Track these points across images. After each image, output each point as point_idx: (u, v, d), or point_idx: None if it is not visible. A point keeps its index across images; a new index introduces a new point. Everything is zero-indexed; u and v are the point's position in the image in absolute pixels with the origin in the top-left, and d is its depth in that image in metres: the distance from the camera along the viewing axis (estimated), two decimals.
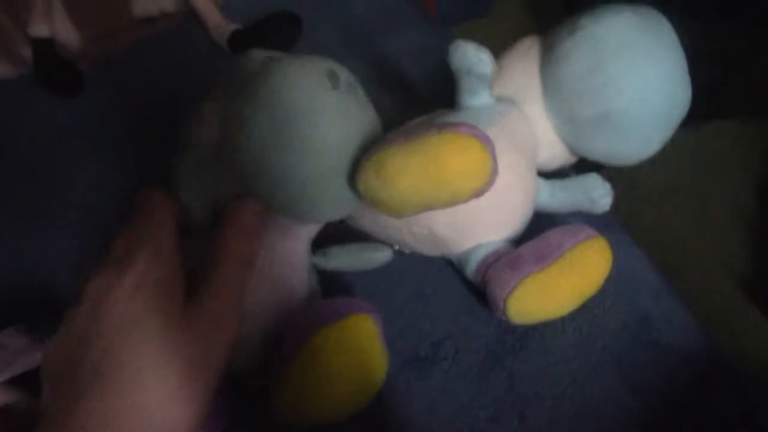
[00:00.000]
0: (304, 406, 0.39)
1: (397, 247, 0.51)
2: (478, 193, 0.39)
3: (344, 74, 0.41)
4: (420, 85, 0.67)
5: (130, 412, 0.28)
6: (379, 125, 0.43)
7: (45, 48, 0.68)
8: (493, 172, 0.39)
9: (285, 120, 0.37)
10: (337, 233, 0.50)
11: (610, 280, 0.46)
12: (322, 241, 0.48)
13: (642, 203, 1.03)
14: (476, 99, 0.48)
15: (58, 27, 0.69)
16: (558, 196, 0.51)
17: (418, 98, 0.66)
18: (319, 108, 0.38)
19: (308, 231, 0.47)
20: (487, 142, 0.38)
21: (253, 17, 0.70)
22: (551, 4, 1.30)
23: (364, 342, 0.41)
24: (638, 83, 0.44)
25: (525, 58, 0.50)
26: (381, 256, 0.50)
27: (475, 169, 0.38)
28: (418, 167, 0.38)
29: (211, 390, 0.32)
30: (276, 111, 0.37)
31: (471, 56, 0.45)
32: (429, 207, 0.40)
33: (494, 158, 0.39)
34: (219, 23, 0.71)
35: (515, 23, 1.31)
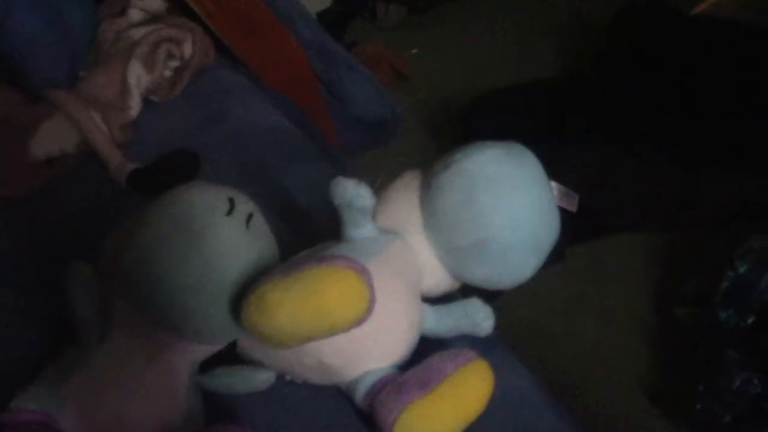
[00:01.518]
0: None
1: (289, 377, 0.52)
2: (358, 323, 0.41)
3: (243, 203, 0.43)
4: (317, 214, 0.70)
5: None
6: (275, 254, 0.45)
7: None
8: (371, 302, 0.41)
9: (177, 236, 0.39)
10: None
11: (495, 401, 0.48)
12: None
13: (549, 315, 1.07)
14: (359, 231, 0.50)
15: None
16: (443, 322, 0.53)
17: (314, 228, 0.68)
18: (209, 231, 0.40)
19: (196, 351, 0.47)
20: (364, 274, 0.41)
21: (154, 156, 0.72)
22: (455, 125, 1.41)
23: None
24: (507, 212, 0.48)
25: (406, 191, 0.53)
26: (263, 377, 0.50)
27: (353, 300, 0.40)
28: (298, 299, 0.40)
29: None
30: (171, 227, 0.39)
31: (350, 191, 0.47)
32: (310, 338, 0.42)
33: (372, 289, 0.41)
34: (120, 162, 0.72)
35: (417, 146, 1.39)
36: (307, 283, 0.40)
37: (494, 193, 0.49)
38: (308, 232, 0.66)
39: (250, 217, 0.43)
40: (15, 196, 0.71)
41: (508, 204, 0.49)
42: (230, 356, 0.50)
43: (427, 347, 0.51)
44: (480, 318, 0.53)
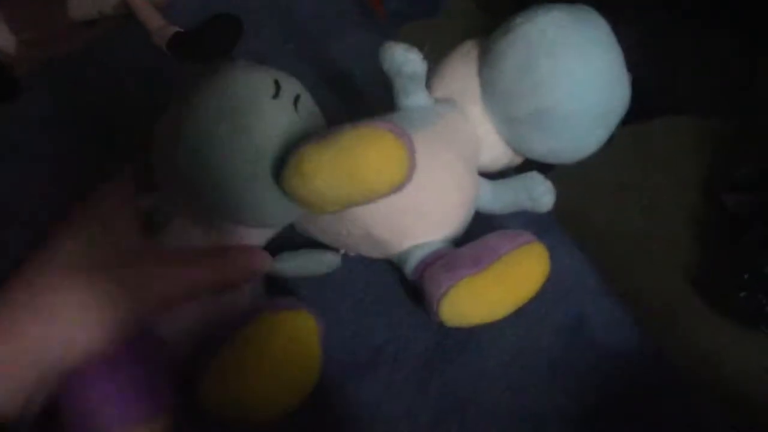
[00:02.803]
0: (230, 398, 0.37)
1: (343, 251, 0.51)
2: (397, 188, 0.39)
3: (289, 85, 0.40)
4: (367, 85, 0.67)
5: (44, 308, 0.35)
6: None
7: None
8: (410, 168, 0.38)
9: (225, 125, 0.37)
10: (292, 241, 0.49)
11: (548, 283, 0.46)
12: (275, 249, 0.47)
13: (592, 201, 1.04)
14: (412, 99, 0.47)
15: None
16: (500, 197, 0.51)
17: (366, 99, 0.65)
18: (257, 117, 0.38)
19: (258, 236, 0.46)
20: (403, 137, 0.38)
21: (195, 20, 0.69)
22: (504, 2, 1.32)
23: (300, 336, 0.40)
24: (569, 81, 0.44)
25: (465, 60, 0.50)
26: (329, 259, 0.49)
27: (390, 163, 0.38)
28: (333, 161, 0.37)
29: (130, 326, 0.37)
30: (217, 117, 0.37)
31: (399, 57, 0.44)
32: (349, 202, 0.39)
33: (411, 154, 0.38)
34: (160, 26, 0.70)
35: (468, 22, 1.31)
36: (342, 144, 0.37)
37: (556, 59, 0.44)
38: (357, 102, 0.64)
39: (297, 98, 0.41)
40: (55, 56, 0.69)
41: (572, 70, 0.44)
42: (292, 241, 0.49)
43: (482, 226, 0.49)
44: (539, 192, 0.49)
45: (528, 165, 0.53)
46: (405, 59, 0.44)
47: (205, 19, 0.70)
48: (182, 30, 0.70)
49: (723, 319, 0.93)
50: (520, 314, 0.46)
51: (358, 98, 0.66)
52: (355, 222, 0.46)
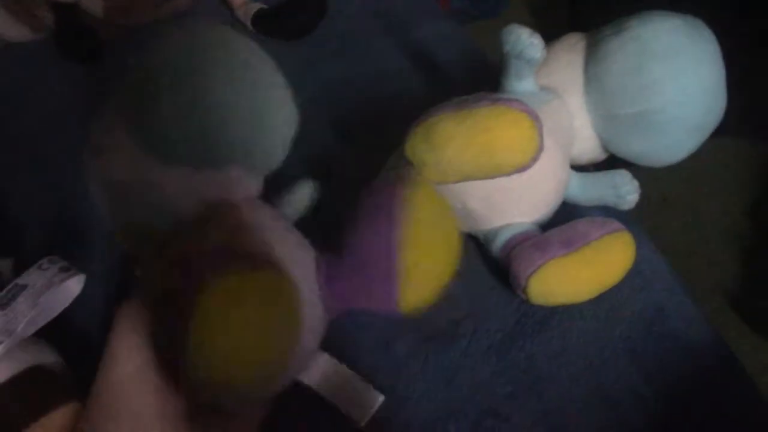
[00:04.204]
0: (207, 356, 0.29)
1: None
2: (521, 169, 0.41)
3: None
4: (447, 72, 0.69)
5: None
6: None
7: (67, 13, 0.69)
8: (539, 150, 0.40)
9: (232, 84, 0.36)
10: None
11: (628, 273, 0.48)
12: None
13: (636, 211, 1.06)
14: (521, 84, 0.49)
15: None
16: (587, 189, 0.53)
17: (447, 84, 0.67)
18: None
19: (249, 184, 0.41)
20: (537, 121, 0.40)
21: None
22: (558, 10, 1.34)
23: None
24: (679, 87, 0.46)
25: (571, 52, 0.52)
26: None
27: (523, 145, 0.40)
28: (468, 135, 0.39)
29: None
30: (220, 75, 0.36)
31: (524, 40, 0.46)
32: (471, 176, 0.41)
33: (542, 138, 0.40)
34: (243, 1, 0.71)
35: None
36: (479, 119, 0.39)
37: (667, 65, 0.46)
38: (441, 86, 0.66)
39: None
40: (140, 24, 0.71)
41: (681, 77, 0.46)
42: None
43: (566, 215, 0.51)
44: (626, 190, 0.52)
45: (608, 163, 0.55)
46: (530, 43, 0.46)
47: None
48: (266, 6, 0.72)
49: (762, 338, 0.95)
50: (599, 299, 0.48)
51: (436, 80, 0.68)
52: (453, 193, 0.48)
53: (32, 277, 0.42)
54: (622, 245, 0.47)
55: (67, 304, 0.42)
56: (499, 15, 1.36)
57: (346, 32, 0.74)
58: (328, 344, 0.45)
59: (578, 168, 0.54)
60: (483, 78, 0.55)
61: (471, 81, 0.64)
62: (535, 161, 0.41)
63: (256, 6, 0.72)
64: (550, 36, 0.53)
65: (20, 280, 0.42)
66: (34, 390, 0.40)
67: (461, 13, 1.30)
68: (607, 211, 0.53)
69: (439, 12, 0.79)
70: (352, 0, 0.77)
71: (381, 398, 0.45)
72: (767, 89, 1.12)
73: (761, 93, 1.12)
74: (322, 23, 0.72)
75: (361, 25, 0.75)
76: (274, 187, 0.42)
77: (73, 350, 0.44)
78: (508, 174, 0.41)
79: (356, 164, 0.59)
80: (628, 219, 0.54)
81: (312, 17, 0.73)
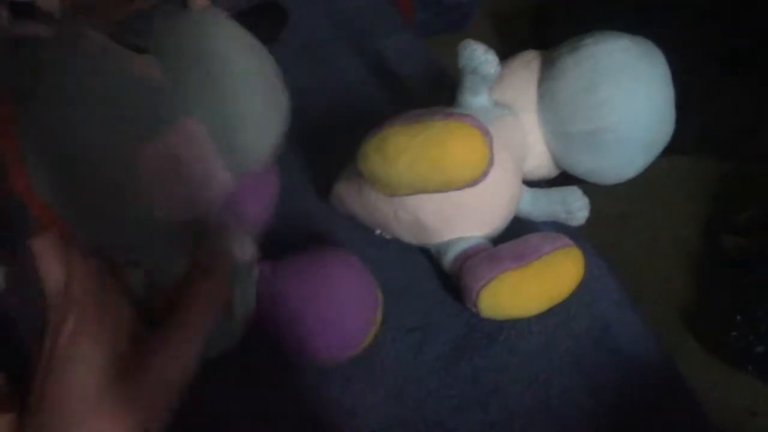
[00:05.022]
0: None
1: (379, 232, 0.52)
2: (472, 183, 0.41)
3: None
4: (407, 84, 0.69)
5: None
6: None
7: (25, 12, 0.67)
8: (490, 165, 0.41)
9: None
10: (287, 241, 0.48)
11: (576, 287, 0.49)
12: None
13: (592, 228, 1.09)
14: (476, 99, 0.50)
15: None
16: (539, 204, 0.53)
17: (406, 96, 0.67)
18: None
19: None
20: (488, 136, 0.40)
21: (240, 6, 0.70)
22: (522, 28, 1.37)
23: None
24: (631, 105, 0.47)
25: (527, 68, 0.52)
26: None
27: (475, 158, 0.40)
28: (420, 148, 0.39)
29: (157, 421, 0.33)
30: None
31: (479, 56, 0.47)
32: (422, 189, 0.42)
33: (492, 153, 0.41)
34: (202, 6, 0.70)
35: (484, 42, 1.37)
36: (432, 133, 0.40)
37: (620, 84, 0.47)
38: (401, 98, 0.66)
39: None
40: (100, 25, 0.70)
41: (633, 97, 0.47)
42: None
43: (517, 229, 0.51)
44: (576, 206, 0.52)
45: (560, 180, 0.56)
46: (485, 59, 0.47)
47: (247, 5, 0.70)
48: (227, 13, 0.71)
49: (713, 357, 0.97)
50: (548, 314, 0.48)
51: (397, 93, 0.68)
52: (405, 206, 0.48)
53: None
54: (572, 260, 0.48)
55: None
56: (463, 30, 1.38)
57: (308, 41, 0.74)
58: (277, 358, 0.44)
59: (531, 183, 0.55)
60: (442, 91, 0.56)
61: (431, 94, 0.64)
62: (486, 176, 0.41)
63: (215, 12, 0.71)
64: (514, 53, 0.54)
65: None
66: None
67: (426, 26, 1.31)
68: (560, 227, 0.54)
69: (401, 24, 0.79)
70: (315, 9, 0.77)
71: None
72: (731, 108, 1.15)
73: (724, 112, 1.15)
74: (284, 32, 0.72)
75: (323, 35, 0.75)
76: None
77: (12, 360, 0.43)
78: (460, 188, 0.41)
79: (310, 172, 0.59)
80: (580, 234, 0.55)
81: (274, 25, 0.73)
